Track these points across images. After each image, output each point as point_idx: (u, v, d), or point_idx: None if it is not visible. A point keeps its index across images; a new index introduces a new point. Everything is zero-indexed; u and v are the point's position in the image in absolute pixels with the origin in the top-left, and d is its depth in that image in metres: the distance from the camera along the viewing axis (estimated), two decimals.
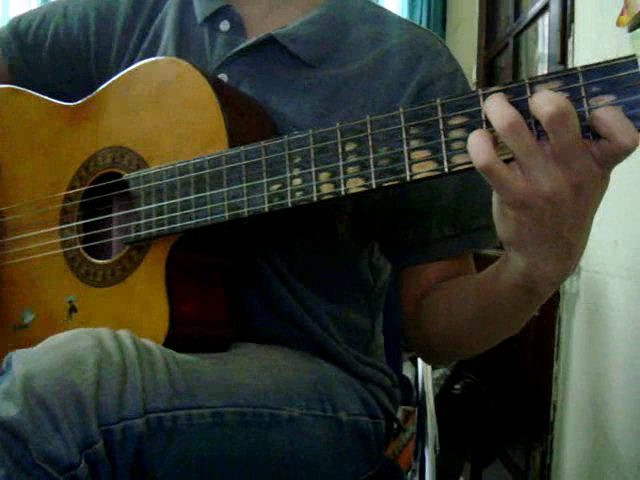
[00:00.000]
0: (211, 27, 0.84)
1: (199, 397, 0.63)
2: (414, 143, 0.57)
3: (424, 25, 3.35)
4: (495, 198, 0.55)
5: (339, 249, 0.83)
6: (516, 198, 0.52)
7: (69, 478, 0.53)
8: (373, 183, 0.59)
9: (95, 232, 0.80)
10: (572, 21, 1.76)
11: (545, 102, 0.48)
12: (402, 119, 0.57)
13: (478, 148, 0.51)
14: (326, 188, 0.61)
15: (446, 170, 0.55)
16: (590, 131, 0.50)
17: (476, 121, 0.54)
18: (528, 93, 0.51)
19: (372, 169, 0.59)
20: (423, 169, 0.56)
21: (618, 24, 1.40)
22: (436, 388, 1.85)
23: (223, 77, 0.81)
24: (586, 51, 1.68)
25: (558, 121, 0.48)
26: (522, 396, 1.93)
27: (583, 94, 0.50)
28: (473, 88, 0.88)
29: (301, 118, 0.78)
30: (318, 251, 0.82)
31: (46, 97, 0.87)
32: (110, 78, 0.81)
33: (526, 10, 2.44)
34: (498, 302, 0.67)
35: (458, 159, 0.54)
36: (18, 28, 0.94)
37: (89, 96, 0.83)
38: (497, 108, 0.50)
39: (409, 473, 1.21)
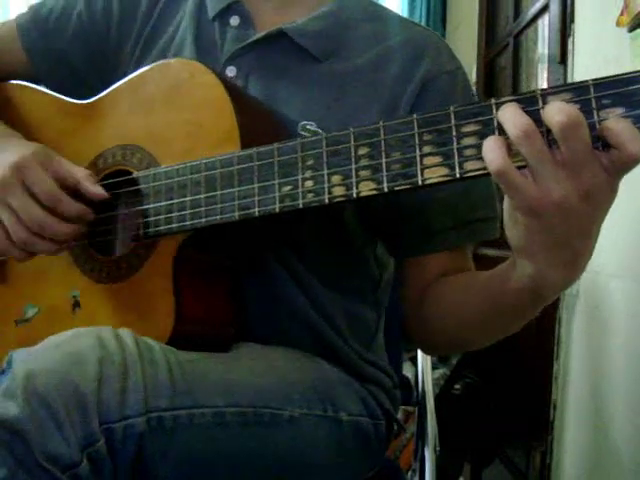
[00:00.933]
0: (221, 22, 0.86)
1: (200, 396, 0.64)
2: (426, 149, 0.58)
3: (424, 25, 3.35)
4: (506, 204, 0.56)
5: (347, 239, 0.84)
6: (527, 204, 0.53)
7: (71, 476, 0.53)
8: (385, 187, 0.60)
9: (102, 228, 0.80)
10: (572, 21, 1.76)
11: (556, 111, 0.50)
12: (415, 125, 0.58)
13: (493, 154, 0.52)
14: (337, 190, 0.62)
15: (457, 176, 0.56)
16: (600, 141, 0.51)
17: (488, 129, 0.55)
18: (540, 104, 0.53)
19: (384, 173, 0.60)
20: (435, 174, 0.57)
21: (618, 24, 1.40)
22: (436, 388, 1.85)
23: (232, 70, 0.83)
24: (586, 51, 1.68)
25: (569, 130, 0.49)
26: (522, 396, 1.93)
27: (594, 106, 0.51)
28: (473, 88, 0.89)
29: (309, 110, 0.80)
30: (327, 241, 0.82)
31: (56, 94, 0.88)
32: (122, 69, 0.82)
33: (526, 10, 2.44)
34: (504, 302, 0.68)
35: (470, 165, 0.56)
36: (39, 14, 0.94)
37: (101, 94, 0.84)
38: (511, 116, 0.52)
39: (409, 473, 1.21)
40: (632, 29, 1.33)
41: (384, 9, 0.91)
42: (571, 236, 0.54)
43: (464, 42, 3.19)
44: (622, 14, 1.38)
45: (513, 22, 2.63)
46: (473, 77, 2.96)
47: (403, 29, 0.86)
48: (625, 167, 0.51)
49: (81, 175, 0.76)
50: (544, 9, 2.14)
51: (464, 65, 0.88)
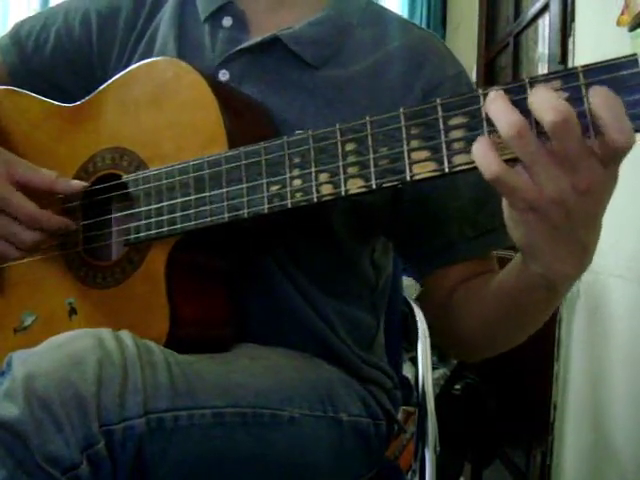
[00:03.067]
0: (213, 23, 0.84)
1: (200, 397, 0.63)
2: (414, 143, 0.57)
3: (424, 25, 3.35)
4: (505, 203, 0.55)
5: (339, 245, 0.83)
6: (525, 203, 0.52)
7: (71, 478, 0.53)
8: (373, 183, 0.59)
9: (95, 234, 0.80)
10: (572, 21, 1.77)
11: (546, 108, 0.48)
12: (402, 119, 0.57)
13: (486, 160, 0.51)
14: (326, 189, 0.61)
15: (446, 170, 0.55)
16: (592, 128, 0.49)
17: (476, 121, 0.54)
18: (528, 92, 0.51)
19: (372, 169, 0.59)
20: (423, 169, 0.56)
21: (618, 24, 1.40)
22: (436, 388, 1.86)
23: (225, 74, 0.81)
24: (586, 51, 1.68)
25: (561, 128, 0.48)
26: (522, 396, 1.93)
27: (583, 93, 0.50)
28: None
29: (304, 119, 0.78)
30: (319, 247, 0.82)
31: (44, 98, 0.87)
32: (111, 78, 0.81)
33: (526, 10, 2.44)
34: (519, 301, 0.67)
35: (458, 159, 0.54)
36: (19, 35, 0.94)
37: (88, 97, 0.83)
38: (502, 115, 0.50)
39: (409, 473, 1.21)
40: (632, 28, 1.33)
41: (383, 11, 0.89)
42: (575, 229, 0.53)
43: (464, 42, 3.19)
44: (622, 13, 1.38)
45: (513, 22, 2.64)
46: (473, 77, 2.96)
47: (403, 33, 0.84)
48: (615, 155, 0.49)
49: (50, 179, 0.77)
50: (544, 9, 2.15)
51: (464, 65, 0.87)
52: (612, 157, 0.50)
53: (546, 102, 0.49)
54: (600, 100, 0.48)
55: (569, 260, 0.56)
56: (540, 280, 0.60)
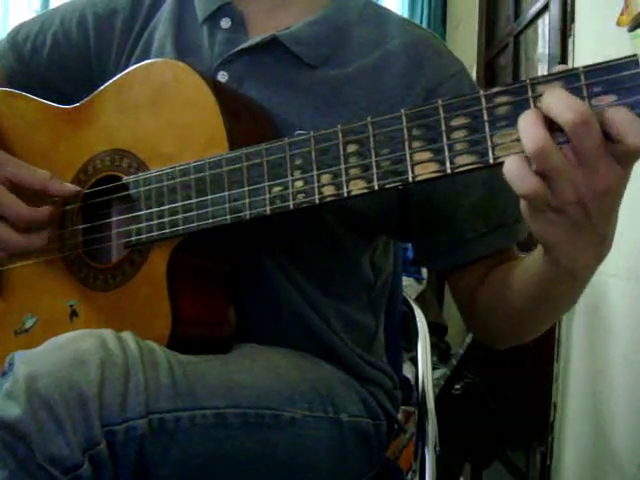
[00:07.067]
0: (211, 24, 0.84)
1: (201, 398, 0.63)
2: (416, 144, 0.57)
3: (424, 24, 3.35)
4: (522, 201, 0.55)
5: (339, 246, 0.83)
6: (543, 204, 0.53)
7: (72, 479, 0.53)
8: (375, 185, 0.59)
9: (95, 236, 0.80)
10: (572, 21, 1.77)
11: (565, 108, 0.48)
12: (404, 120, 0.57)
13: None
14: (328, 190, 0.61)
15: (448, 171, 0.55)
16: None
17: (478, 122, 0.54)
18: (529, 93, 0.51)
19: (374, 171, 0.59)
20: (425, 171, 0.56)
21: (618, 24, 1.40)
22: (436, 388, 1.86)
23: (224, 75, 0.81)
24: (586, 51, 1.68)
25: (581, 129, 0.48)
26: (522, 396, 1.93)
27: (585, 94, 0.50)
28: None
29: (303, 118, 0.78)
30: (319, 247, 0.82)
31: (42, 100, 0.87)
32: (109, 80, 0.81)
33: (526, 10, 2.44)
34: (542, 289, 0.66)
35: (460, 160, 0.55)
36: (16, 39, 0.94)
37: (87, 98, 0.83)
38: (528, 127, 0.50)
39: (409, 473, 1.21)
40: (632, 29, 1.33)
41: (382, 9, 0.89)
42: (594, 224, 0.54)
43: (464, 42, 3.19)
44: (622, 14, 1.38)
45: (513, 22, 2.64)
46: (473, 77, 2.95)
47: (402, 32, 0.84)
48: (632, 158, 0.50)
49: (43, 178, 0.75)
50: (544, 9, 2.15)
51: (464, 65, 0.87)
52: (631, 159, 0.51)
53: (564, 102, 0.49)
54: (609, 107, 0.49)
55: (589, 250, 0.57)
56: (562, 270, 0.60)
